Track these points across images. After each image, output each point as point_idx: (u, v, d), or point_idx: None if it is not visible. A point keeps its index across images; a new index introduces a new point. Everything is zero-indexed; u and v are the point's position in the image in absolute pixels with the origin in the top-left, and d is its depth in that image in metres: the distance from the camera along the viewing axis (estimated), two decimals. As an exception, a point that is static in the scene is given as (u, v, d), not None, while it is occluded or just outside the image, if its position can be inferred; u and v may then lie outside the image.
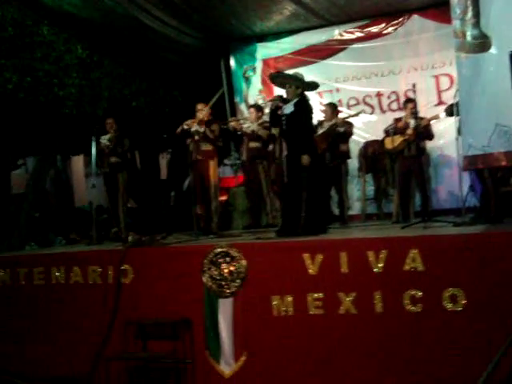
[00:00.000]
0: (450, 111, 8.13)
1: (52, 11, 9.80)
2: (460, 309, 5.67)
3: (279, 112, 7.91)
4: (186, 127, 9.13)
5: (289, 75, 8.20)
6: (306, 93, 8.00)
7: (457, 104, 7.25)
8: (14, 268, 8.08)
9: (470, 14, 6.37)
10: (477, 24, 6.34)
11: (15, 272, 8.05)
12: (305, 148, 7.53)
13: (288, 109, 7.80)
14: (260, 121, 9.62)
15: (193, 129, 9.15)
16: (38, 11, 9.90)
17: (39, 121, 11.88)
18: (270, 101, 8.17)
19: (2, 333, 8.00)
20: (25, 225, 13.46)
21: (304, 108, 7.79)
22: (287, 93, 7.89)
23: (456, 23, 6.49)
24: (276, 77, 8.37)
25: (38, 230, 14.96)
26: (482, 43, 6.30)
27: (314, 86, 8.22)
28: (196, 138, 9.18)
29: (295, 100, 7.76)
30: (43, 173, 14.40)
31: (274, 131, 9.30)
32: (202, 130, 9.14)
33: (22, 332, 7.86)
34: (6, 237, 12.97)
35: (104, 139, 9.70)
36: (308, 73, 10.16)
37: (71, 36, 10.72)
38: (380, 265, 6.01)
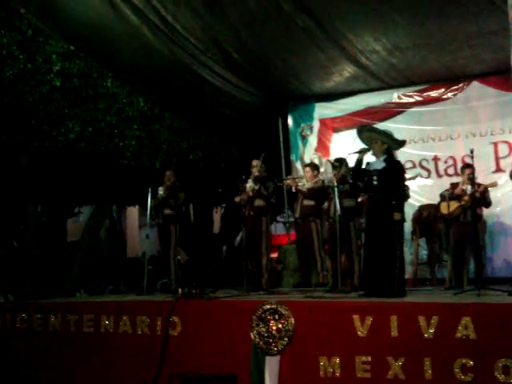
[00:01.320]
0: None
1: (115, 63, 10.09)
2: (512, 381, 5.52)
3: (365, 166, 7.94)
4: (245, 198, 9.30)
5: (380, 130, 8.15)
6: None
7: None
8: (64, 314, 8.16)
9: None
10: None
11: (66, 318, 8.13)
12: (397, 205, 7.52)
13: (378, 164, 7.77)
14: (315, 179, 9.62)
15: (248, 185, 9.25)
16: (103, 63, 10.19)
17: (97, 170, 12.13)
18: (359, 152, 8.09)
19: (51, 380, 8.03)
20: (78, 272, 13.64)
21: (398, 165, 7.86)
22: (373, 148, 7.84)
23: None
24: (365, 130, 8.17)
25: (91, 278, 15.16)
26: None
27: (401, 143, 8.18)
28: (250, 194, 9.26)
29: (384, 156, 7.74)
30: (98, 222, 14.63)
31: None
32: (256, 186, 9.21)
33: (70, 380, 7.88)
34: (59, 283, 13.17)
35: (160, 190, 9.80)
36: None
37: (134, 89, 10.99)
38: (431, 330, 5.90)
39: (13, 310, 8.61)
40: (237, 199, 9.44)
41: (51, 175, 12.25)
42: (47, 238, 13.55)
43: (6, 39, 10.03)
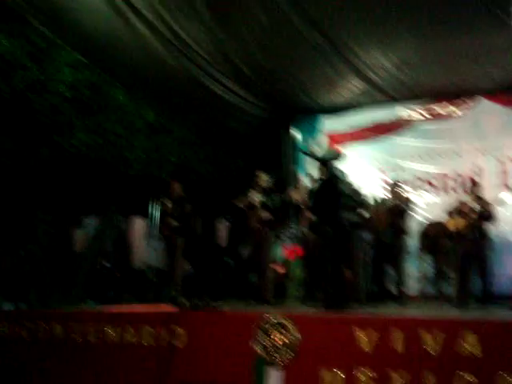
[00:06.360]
0: None
1: (124, 74, 10.14)
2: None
3: None
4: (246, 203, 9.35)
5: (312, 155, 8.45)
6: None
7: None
8: (69, 323, 8.14)
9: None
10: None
11: (70, 328, 8.10)
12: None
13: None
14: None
15: (253, 197, 9.28)
16: (113, 73, 10.25)
17: (105, 180, 12.18)
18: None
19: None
20: (83, 282, 13.66)
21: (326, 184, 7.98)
22: None
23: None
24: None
25: (96, 287, 15.16)
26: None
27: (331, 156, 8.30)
28: (256, 205, 9.28)
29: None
30: (104, 232, 14.65)
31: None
32: (262, 198, 9.23)
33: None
34: (65, 292, 13.18)
35: (167, 202, 9.83)
36: (372, 149, 10.21)
37: (143, 102, 11.04)
38: (435, 345, 5.88)
39: (18, 319, 8.62)
40: (240, 203, 9.50)
41: (59, 184, 12.29)
42: (54, 247, 13.57)
43: (19, 51, 10.11)
